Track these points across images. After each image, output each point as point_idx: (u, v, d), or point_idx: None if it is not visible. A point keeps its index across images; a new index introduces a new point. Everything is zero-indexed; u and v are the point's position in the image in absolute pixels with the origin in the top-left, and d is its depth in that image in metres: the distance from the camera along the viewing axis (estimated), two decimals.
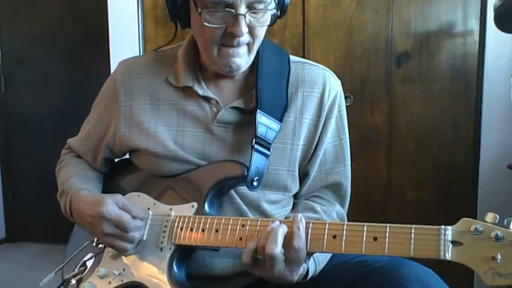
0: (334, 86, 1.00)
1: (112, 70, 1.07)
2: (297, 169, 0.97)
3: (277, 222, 0.80)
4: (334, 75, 1.02)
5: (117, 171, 1.09)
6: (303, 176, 1.00)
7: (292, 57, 1.01)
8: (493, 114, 1.94)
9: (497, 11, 1.43)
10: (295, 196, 1.02)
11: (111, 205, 0.89)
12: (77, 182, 1.01)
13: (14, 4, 3.05)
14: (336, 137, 1.00)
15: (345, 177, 1.02)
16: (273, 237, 0.77)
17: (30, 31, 3.04)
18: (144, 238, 0.92)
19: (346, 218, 1.03)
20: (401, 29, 1.97)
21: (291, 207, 1.02)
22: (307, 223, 0.79)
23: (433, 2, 1.94)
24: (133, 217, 0.90)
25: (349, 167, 1.03)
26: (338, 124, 1.00)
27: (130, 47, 2.19)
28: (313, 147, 0.98)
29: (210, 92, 0.97)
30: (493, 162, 1.93)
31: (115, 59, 2.17)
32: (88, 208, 0.92)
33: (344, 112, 1.02)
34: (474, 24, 1.93)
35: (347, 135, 1.02)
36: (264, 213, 0.96)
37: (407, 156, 2.03)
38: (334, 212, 1.00)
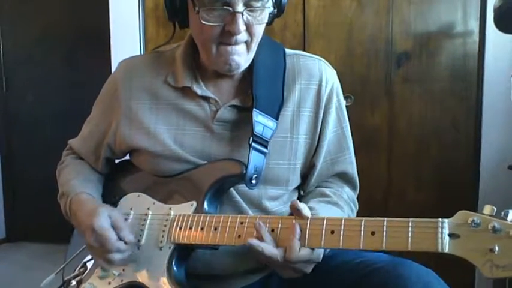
0: (331, 77, 1.01)
1: (113, 70, 1.07)
2: (297, 162, 0.98)
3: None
4: (329, 65, 1.03)
5: (118, 173, 1.09)
6: (310, 168, 1.00)
7: (288, 51, 1.02)
8: (493, 114, 1.94)
9: (497, 11, 1.43)
10: (303, 188, 1.03)
11: (103, 219, 0.88)
12: (77, 185, 1.01)
13: (15, 4, 3.06)
14: (338, 126, 1.01)
15: (350, 163, 1.03)
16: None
17: (32, 31, 3.05)
18: (144, 238, 0.93)
19: (356, 201, 1.04)
20: (401, 30, 1.97)
21: None
22: (305, 219, 0.79)
23: (433, 3, 1.94)
24: (121, 238, 0.89)
25: (353, 154, 1.04)
26: (338, 113, 1.01)
27: (131, 47, 2.19)
28: (316, 139, 0.99)
29: (208, 91, 0.97)
30: (493, 163, 1.93)
31: (116, 59, 2.16)
32: (83, 215, 0.93)
33: (342, 101, 1.02)
34: (474, 25, 1.93)
35: (347, 123, 1.03)
36: (264, 211, 0.96)
37: (407, 156, 2.03)
38: (344, 193, 1.01)
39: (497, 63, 1.90)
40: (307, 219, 0.79)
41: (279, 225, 0.81)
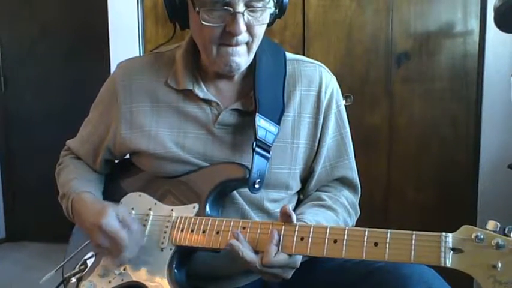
0: (330, 83, 1.01)
1: (112, 70, 1.06)
2: (297, 167, 0.98)
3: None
4: (329, 70, 1.03)
5: (119, 172, 1.09)
6: (309, 173, 1.00)
7: (288, 55, 1.02)
8: (493, 114, 1.94)
9: (497, 11, 1.43)
10: (303, 193, 1.03)
11: (112, 218, 0.88)
12: (77, 185, 1.01)
13: (14, 3, 3.05)
14: (337, 132, 1.01)
15: (350, 169, 1.03)
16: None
17: (31, 30, 3.04)
18: (145, 239, 0.92)
19: (356, 205, 1.04)
20: (401, 29, 1.97)
21: (293, 204, 1.02)
22: (308, 227, 0.79)
23: (433, 2, 1.94)
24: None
25: (353, 159, 1.04)
26: (337, 119, 1.01)
27: (130, 46, 2.19)
28: (316, 144, 0.99)
29: (210, 94, 0.97)
30: (493, 162, 1.93)
31: (115, 58, 2.17)
32: (89, 215, 0.92)
33: (342, 107, 1.02)
34: (474, 24, 1.93)
35: (347, 129, 1.03)
36: (266, 212, 0.96)
37: (407, 156, 2.03)
38: (342, 196, 1.01)
39: (497, 63, 1.90)
40: (310, 227, 0.79)
41: (282, 232, 0.81)
